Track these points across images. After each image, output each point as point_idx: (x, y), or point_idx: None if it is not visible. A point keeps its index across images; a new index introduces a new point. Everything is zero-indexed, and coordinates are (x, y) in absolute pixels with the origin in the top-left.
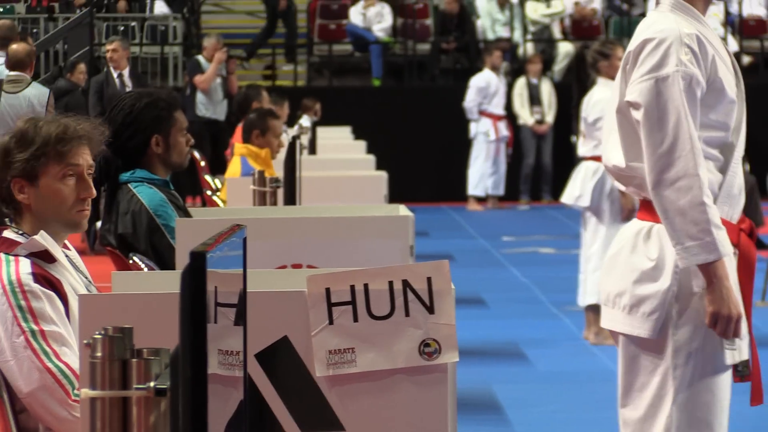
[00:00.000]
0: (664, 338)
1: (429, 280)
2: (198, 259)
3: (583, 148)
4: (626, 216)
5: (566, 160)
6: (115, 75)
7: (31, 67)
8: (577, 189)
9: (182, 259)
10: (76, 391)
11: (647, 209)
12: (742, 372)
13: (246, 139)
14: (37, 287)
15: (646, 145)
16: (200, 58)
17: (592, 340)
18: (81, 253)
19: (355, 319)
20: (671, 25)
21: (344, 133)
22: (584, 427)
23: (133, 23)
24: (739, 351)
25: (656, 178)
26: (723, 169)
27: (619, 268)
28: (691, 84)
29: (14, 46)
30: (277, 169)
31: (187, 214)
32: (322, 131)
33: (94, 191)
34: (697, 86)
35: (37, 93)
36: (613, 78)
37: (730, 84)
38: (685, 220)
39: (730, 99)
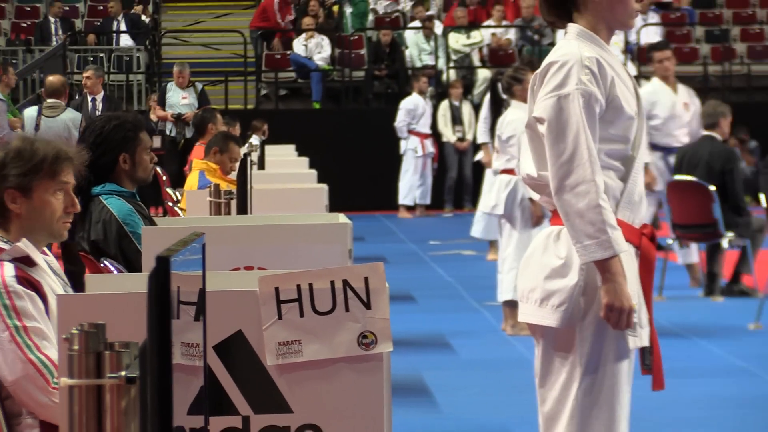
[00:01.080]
0: (572, 328)
1: (366, 279)
2: (163, 263)
3: (497, 162)
4: (536, 222)
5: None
6: (89, 99)
7: (66, 95)
8: (493, 199)
9: (148, 263)
10: (55, 380)
11: (557, 215)
12: (649, 364)
13: (205, 155)
14: (20, 288)
15: (549, 156)
16: (170, 84)
17: (509, 331)
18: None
19: (301, 315)
20: (573, 50)
21: (289, 150)
22: (503, 408)
23: (101, 54)
24: (640, 338)
25: (558, 184)
26: (624, 179)
27: (532, 267)
28: (589, 101)
29: (51, 78)
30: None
31: (152, 223)
32: (269, 149)
33: (79, 206)
34: (595, 103)
35: (72, 117)
36: (524, 100)
37: (630, 103)
38: (583, 221)
39: (628, 116)
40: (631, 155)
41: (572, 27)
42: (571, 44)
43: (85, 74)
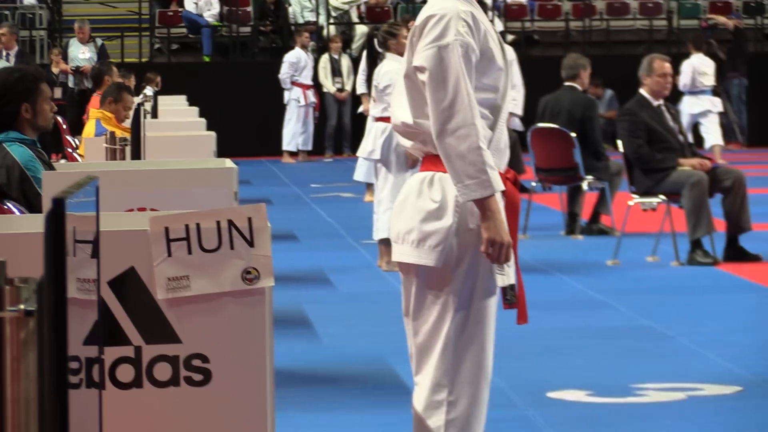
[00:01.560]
0: (447, 267)
1: (249, 219)
2: (58, 204)
3: (374, 110)
4: (410, 166)
5: (363, 121)
6: (4, 54)
7: None
8: (370, 145)
9: (47, 205)
10: None
11: (430, 161)
12: (511, 300)
13: (101, 105)
14: None
15: (431, 102)
16: (72, 40)
17: (384, 267)
18: None
19: (189, 252)
20: (450, 4)
21: (180, 100)
22: (378, 338)
23: (6, 12)
24: (507, 276)
25: (440, 129)
26: (492, 127)
27: (407, 210)
28: (467, 51)
29: None
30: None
31: (52, 168)
32: (162, 99)
33: None
34: (472, 53)
35: None
36: (399, 53)
37: (498, 55)
38: (464, 162)
39: (498, 66)
40: (499, 104)
41: None
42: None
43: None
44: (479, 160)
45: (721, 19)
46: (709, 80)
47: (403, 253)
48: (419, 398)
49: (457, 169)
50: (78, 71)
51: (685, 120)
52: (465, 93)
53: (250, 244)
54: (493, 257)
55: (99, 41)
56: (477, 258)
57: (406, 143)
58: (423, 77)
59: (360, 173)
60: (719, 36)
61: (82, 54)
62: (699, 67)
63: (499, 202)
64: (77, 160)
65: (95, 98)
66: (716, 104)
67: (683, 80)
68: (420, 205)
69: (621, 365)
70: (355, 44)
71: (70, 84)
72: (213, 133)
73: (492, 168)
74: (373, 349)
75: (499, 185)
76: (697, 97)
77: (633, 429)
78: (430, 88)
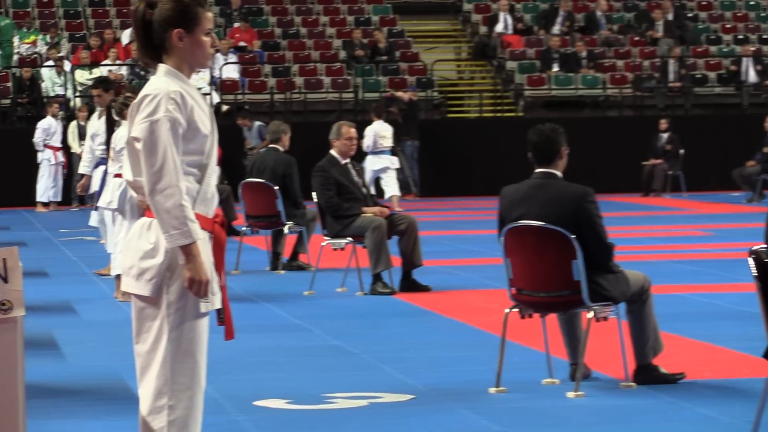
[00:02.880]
0: (160, 296)
1: (4, 260)
2: None
3: (111, 168)
4: (143, 214)
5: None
6: None
7: None
8: (108, 196)
9: None
10: None
11: (150, 210)
12: (222, 318)
13: None
14: None
15: (144, 166)
16: None
17: (120, 298)
18: None
19: None
20: (162, 85)
21: None
22: (115, 358)
23: None
24: (212, 303)
25: (151, 188)
26: (200, 181)
27: (130, 249)
28: (174, 125)
29: None
30: None
31: None
32: None
33: None
34: (179, 126)
35: None
36: None
37: (205, 124)
38: (170, 216)
39: (203, 134)
40: (205, 163)
41: (161, 67)
42: (160, 80)
43: None
44: (182, 215)
45: (399, 93)
46: (388, 142)
47: (127, 284)
48: (144, 405)
49: (164, 222)
50: None
51: (368, 175)
52: (171, 160)
53: (5, 280)
54: (195, 292)
55: None
56: (185, 289)
57: (134, 194)
58: (139, 146)
59: (93, 220)
60: (397, 106)
61: None
62: (379, 131)
63: (207, 243)
64: None
65: None
66: (394, 162)
67: (366, 142)
68: (139, 246)
69: (315, 378)
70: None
71: None
72: None
73: (192, 221)
74: (111, 367)
75: (198, 235)
76: (378, 156)
77: (324, 430)
78: (143, 154)
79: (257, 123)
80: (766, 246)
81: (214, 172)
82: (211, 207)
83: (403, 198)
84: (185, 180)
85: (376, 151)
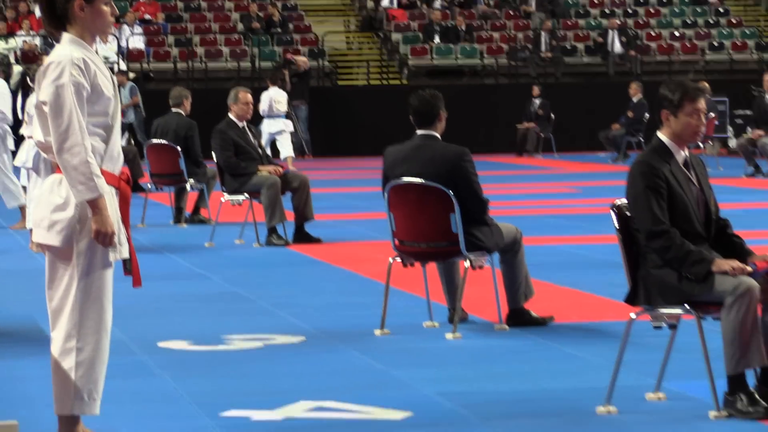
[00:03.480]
0: (71, 246)
1: None
2: None
3: (26, 131)
4: (54, 171)
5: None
6: None
7: None
8: (24, 155)
9: None
10: None
11: (59, 167)
12: (129, 269)
13: None
14: None
15: (52, 128)
16: None
17: (35, 249)
18: None
19: None
20: (66, 52)
21: None
22: (29, 304)
23: None
24: (119, 253)
25: (59, 147)
26: (106, 141)
27: (42, 203)
28: (78, 89)
29: None
30: None
31: None
32: None
33: None
34: (83, 90)
35: None
36: None
37: (108, 88)
38: (77, 172)
39: (107, 97)
40: (110, 124)
41: (65, 35)
42: (65, 48)
43: None
44: (88, 171)
45: (298, 57)
46: (282, 107)
47: (39, 235)
48: (55, 347)
49: (72, 178)
50: None
51: (264, 137)
52: (76, 121)
53: None
54: (101, 242)
55: None
56: (94, 241)
57: (44, 154)
58: (46, 108)
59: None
60: (291, 71)
61: None
62: (274, 96)
63: (113, 198)
64: None
65: None
66: (288, 125)
67: (262, 107)
68: (51, 200)
69: (214, 321)
70: (13, 80)
71: None
72: None
73: (98, 177)
74: (26, 311)
75: (103, 189)
76: (274, 119)
77: (223, 370)
78: (50, 116)
79: (129, 83)
80: (627, 201)
81: (118, 132)
82: (117, 165)
83: (297, 158)
84: (92, 139)
85: (273, 115)
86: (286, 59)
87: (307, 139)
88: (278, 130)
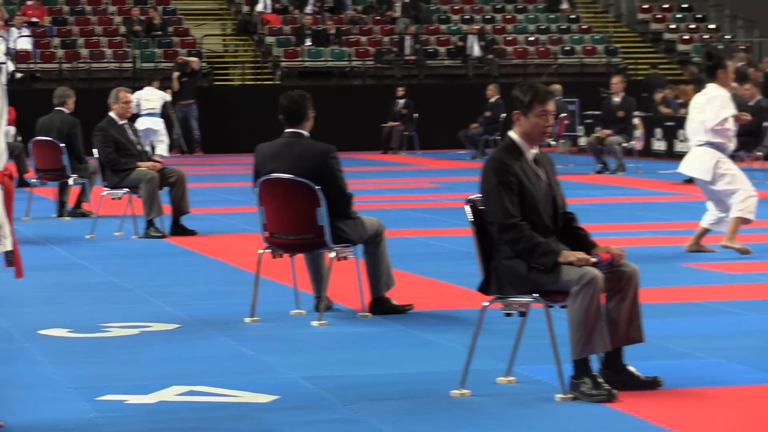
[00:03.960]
0: None
1: None
2: None
3: None
4: None
5: None
6: None
7: None
8: None
9: None
10: None
11: None
12: (10, 261)
13: None
14: None
15: None
16: None
17: None
18: None
19: None
20: None
21: None
22: None
23: None
24: (3, 245)
25: None
26: None
27: None
28: None
29: None
30: None
31: None
32: None
33: None
34: None
35: None
36: None
37: None
38: None
39: None
40: None
41: None
42: None
43: None
44: None
45: (191, 59)
46: (152, 104)
47: None
48: None
49: None
50: None
51: (144, 135)
52: None
53: None
54: None
55: None
56: None
57: None
58: None
59: None
60: (182, 70)
61: None
62: (143, 96)
63: None
64: None
65: None
66: (158, 123)
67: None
68: None
69: (93, 310)
70: None
71: None
72: None
73: None
74: None
75: None
76: (143, 118)
77: (101, 356)
78: None
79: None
80: (481, 196)
81: (3, 131)
82: (1, 161)
83: (173, 154)
84: None
85: (153, 114)
86: (178, 61)
87: (197, 137)
88: (146, 128)
